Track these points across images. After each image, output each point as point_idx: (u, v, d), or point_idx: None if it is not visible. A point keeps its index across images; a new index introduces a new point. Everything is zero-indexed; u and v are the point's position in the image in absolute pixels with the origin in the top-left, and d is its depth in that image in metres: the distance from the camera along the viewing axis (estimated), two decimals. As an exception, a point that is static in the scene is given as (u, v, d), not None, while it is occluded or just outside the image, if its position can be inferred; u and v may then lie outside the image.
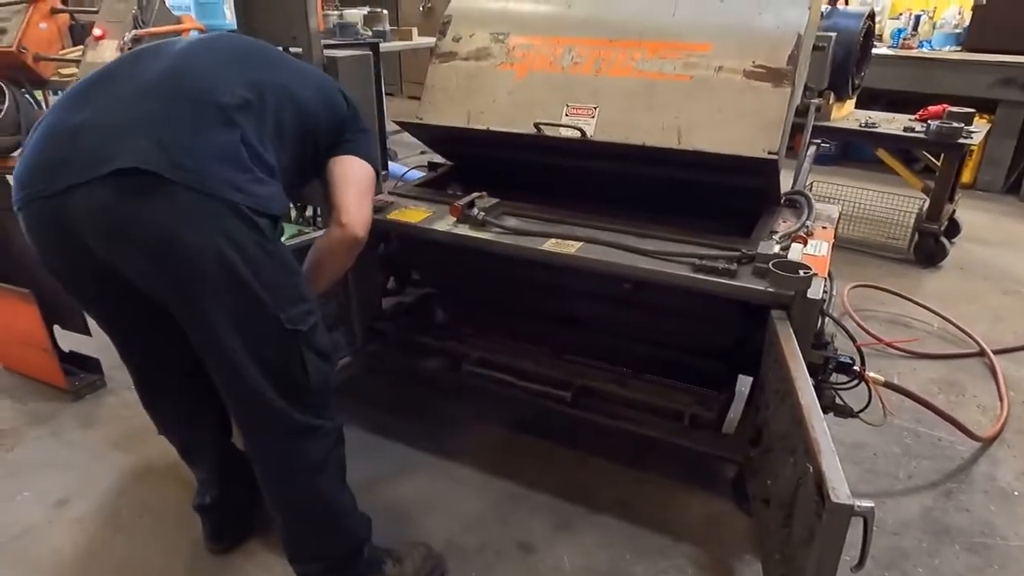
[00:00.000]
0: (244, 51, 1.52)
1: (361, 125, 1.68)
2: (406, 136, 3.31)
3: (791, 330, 1.56)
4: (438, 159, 2.63)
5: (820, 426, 1.22)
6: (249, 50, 1.54)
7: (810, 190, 4.51)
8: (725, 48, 2.04)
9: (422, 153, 2.77)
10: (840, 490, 1.07)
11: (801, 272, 1.61)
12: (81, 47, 3.17)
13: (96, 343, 2.63)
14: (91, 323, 2.60)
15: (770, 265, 1.64)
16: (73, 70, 3.27)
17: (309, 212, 3.27)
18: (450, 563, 1.83)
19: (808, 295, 1.61)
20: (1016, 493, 2.15)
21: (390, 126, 3.37)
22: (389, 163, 3.38)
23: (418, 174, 2.80)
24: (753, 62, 1.98)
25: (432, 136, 2.41)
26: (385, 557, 1.69)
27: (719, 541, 1.93)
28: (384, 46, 5.47)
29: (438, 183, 2.46)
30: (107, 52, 3.27)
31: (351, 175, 1.60)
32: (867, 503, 1.09)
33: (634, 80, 2.12)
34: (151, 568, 1.83)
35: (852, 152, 5.69)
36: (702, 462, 2.18)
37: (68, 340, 2.59)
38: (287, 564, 1.65)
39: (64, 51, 3.32)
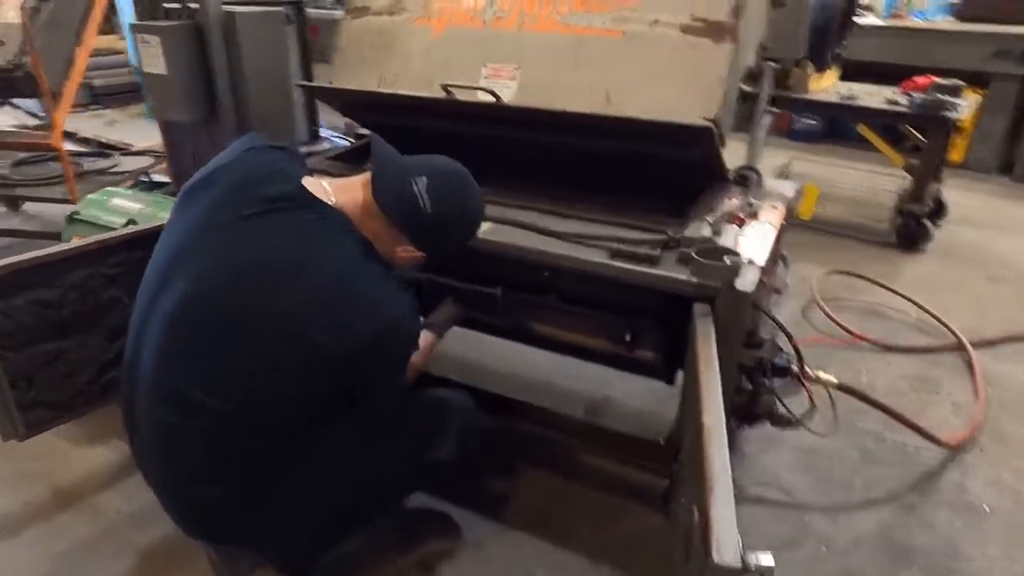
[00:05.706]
0: None
1: None
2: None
3: (711, 328, 1.31)
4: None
5: (720, 457, 0.97)
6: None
7: (788, 167, 4.27)
8: (662, -1, 1.77)
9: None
10: (725, 548, 0.82)
11: (727, 259, 1.36)
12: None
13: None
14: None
15: (692, 252, 1.39)
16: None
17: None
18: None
19: (736, 286, 1.36)
20: (986, 507, 1.92)
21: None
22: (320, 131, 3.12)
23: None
24: (692, 15, 1.71)
25: (342, 102, 2.14)
26: None
27: (644, 562, 1.71)
28: (324, 12, 5.16)
29: (354, 156, 2.19)
30: (10, 12, 3.00)
31: None
32: (766, 561, 0.85)
33: (560, 36, 1.84)
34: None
35: (840, 129, 5.39)
36: (638, 472, 1.96)
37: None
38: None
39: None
